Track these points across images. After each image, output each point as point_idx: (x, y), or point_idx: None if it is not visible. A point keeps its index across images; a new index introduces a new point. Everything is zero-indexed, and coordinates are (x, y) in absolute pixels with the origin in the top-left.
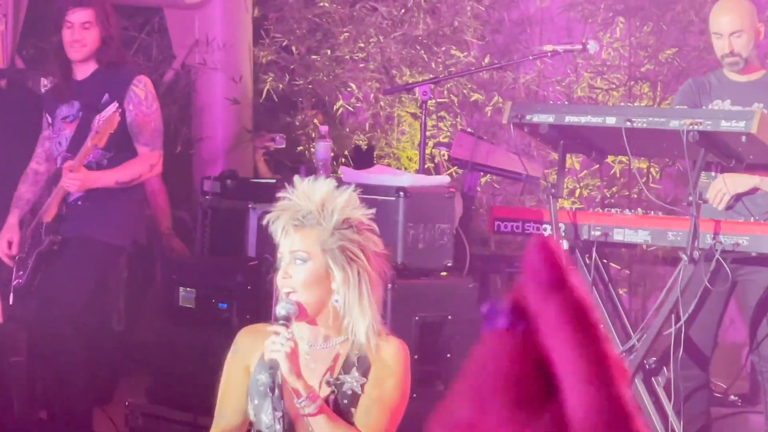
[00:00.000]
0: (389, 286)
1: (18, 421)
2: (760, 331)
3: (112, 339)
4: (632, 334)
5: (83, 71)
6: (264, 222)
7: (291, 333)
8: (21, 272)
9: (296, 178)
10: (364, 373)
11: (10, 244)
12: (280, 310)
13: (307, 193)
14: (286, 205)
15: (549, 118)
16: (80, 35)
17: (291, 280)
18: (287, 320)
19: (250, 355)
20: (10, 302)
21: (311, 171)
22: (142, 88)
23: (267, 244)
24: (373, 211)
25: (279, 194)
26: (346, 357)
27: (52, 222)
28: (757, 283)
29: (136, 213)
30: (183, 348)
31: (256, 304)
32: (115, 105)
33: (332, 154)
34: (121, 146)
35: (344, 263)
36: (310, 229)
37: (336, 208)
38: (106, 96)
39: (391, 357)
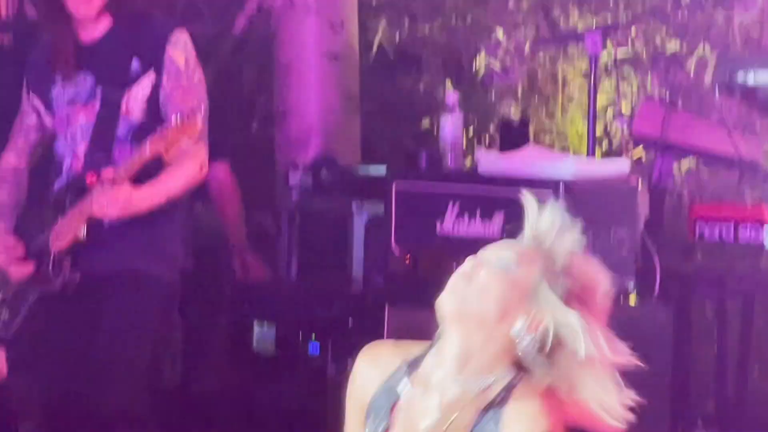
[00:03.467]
0: None
1: None
2: None
3: (164, 398)
4: None
5: (92, 30)
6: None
7: None
8: (6, 319)
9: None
10: None
11: (8, 248)
12: None
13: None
14: None
15: None
16: None
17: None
18: None
19: (370, 387)
20: None
21: (434, 156)
22: (181, 50)
23: (378, 260)
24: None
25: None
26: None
27: (66, 253)
28: None
29: (181, 230)
30: (260, 408)
31: (362, 347)
32: (152, 77)
33: (471, 131)
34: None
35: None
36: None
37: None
38: (135, 63)
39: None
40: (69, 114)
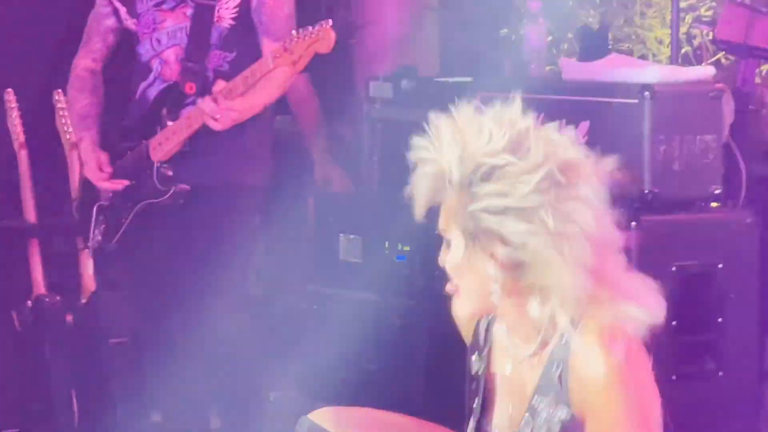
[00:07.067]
0: (632, 224)
1: (121, 426)
2: None
3: (247, 309)
4: None
5: None
6: None
7: None
8: (104, 227)
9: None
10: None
11: (100, 165)
12: None
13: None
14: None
15: None
16: None
17: (447, 268)
18: None
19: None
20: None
21: (519, 66)
22: None
23: None
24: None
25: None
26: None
27: (170, 163)
28: None
29: (269, 137)
30: (347, 318)
31: None
32: None
33: (550, 39)
34: (245, 43)
35: (489, 243)
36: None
37: (477, 153)
38: None
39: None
40: (155, 17)
